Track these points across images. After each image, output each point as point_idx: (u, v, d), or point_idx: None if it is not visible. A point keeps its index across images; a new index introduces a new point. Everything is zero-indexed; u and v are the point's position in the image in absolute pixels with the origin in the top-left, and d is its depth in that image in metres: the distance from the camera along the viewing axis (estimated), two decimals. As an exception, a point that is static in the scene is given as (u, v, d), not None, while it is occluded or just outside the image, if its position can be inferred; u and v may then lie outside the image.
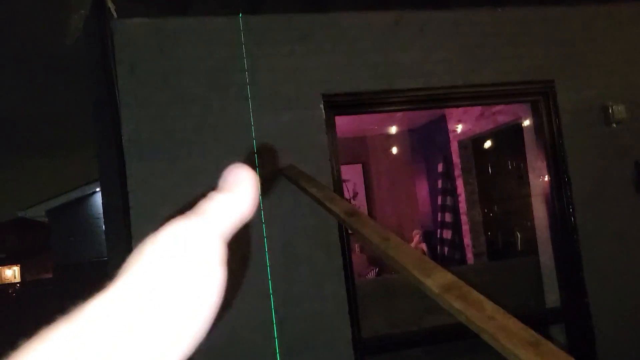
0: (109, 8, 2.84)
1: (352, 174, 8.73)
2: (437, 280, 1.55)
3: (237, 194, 0.36)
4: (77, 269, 9.56)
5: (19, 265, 19.67)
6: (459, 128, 7.04)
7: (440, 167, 7.68)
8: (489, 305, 1.37)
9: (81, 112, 3.77)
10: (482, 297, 1.42)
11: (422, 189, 8.72)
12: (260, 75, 3.22)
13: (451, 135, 7.30)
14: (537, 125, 3.75)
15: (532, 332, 1.25)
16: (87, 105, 3.74)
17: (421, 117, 7.84)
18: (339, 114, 3.43)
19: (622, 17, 3.84)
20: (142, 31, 3.06)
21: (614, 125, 3.66)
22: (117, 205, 3.15)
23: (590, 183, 3.63)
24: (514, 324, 1.28)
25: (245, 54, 3.21)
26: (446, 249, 7.54)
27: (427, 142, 8.38)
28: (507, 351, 1.19)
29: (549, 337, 3.82)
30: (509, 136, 5.94)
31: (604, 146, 3.68)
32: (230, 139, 3.14)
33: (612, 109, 3.64)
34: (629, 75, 3.78)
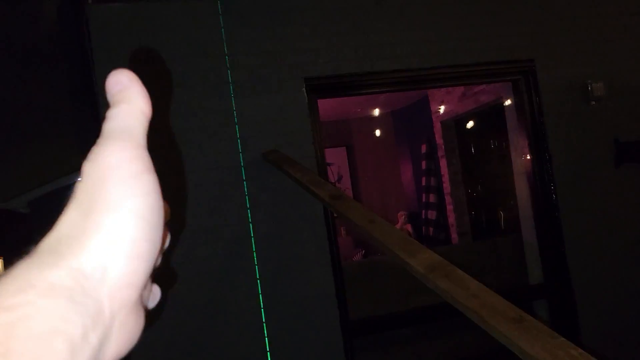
0: (83, -7, 2.77)
1: (336, 157, 8.74)
2: (422, 260, 1.56)
3: (132, 98, 0.35)
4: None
5: (1, 258, 19.46)
6: (442, 109, 7.06)
7: (423, 148, 7.72)
8: (473, 284, 1.39)
9: (60, 100, 3.71)
10: (466, 276, 1.44)
11: (407, 171, 8.76)
12: (240, 60, 3.19)
13: (434, 116, 7.33)
14: (518, 104, 3.78)
15: (516, 308, 1.27)
16: (66, 93, 3.68)
17: (404, 98, 7.84)
18: (321, 97, 3.42)
19: (601, -6, 3.86)
20: (119, 16, 3.00)
21: (593, 103, 3.70)
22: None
23: (570, 160, 3.68)
24: (498, 301, 1.30)
25: (225, 38, 3.17)
26: (431, 229, 7.61)
27: (411, 124, 8.41)
28: (491, 328, 1.21)
29: (532, 313, 3.89)
30: (491, 116, 5.99)
31: (584, 123, 3.72)
32: (212, 125, 3.11)
33: (591, 86, 3.67)
34: (607, 54, 3.81)
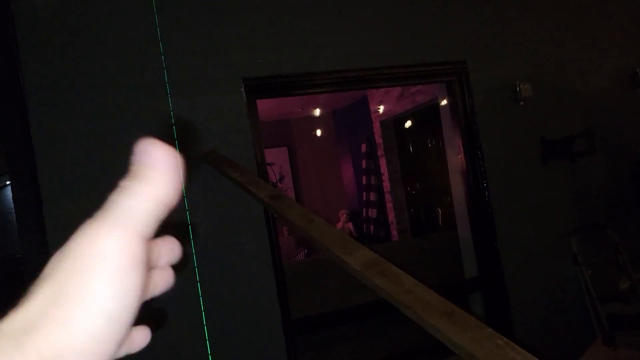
0: (7, -13, 2.64)
1: (278, 157, 8.73)
2: (358, 258, 1.59)
3: (156, 180, 0.31)
4: (-12, 268, 8.97)
5: None
6: (381, 108, 7.19)
7: (363, 148, 7.84)
8: (408, 280, 1.43)
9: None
10: (401, 272, 1.48)
11: (347, 170, 8.87)
12: (177, 59, 3.13)
13: (373, 116, 7.46)
14: (452, 105, 3.91)
15: (447, 302, 1.31)
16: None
17: (344, 98, 7.93)
18: (260, 98, 3.41)
19: (529, -1, 4.06)
20: (48, 12, 2.87)
21: (522, 103, 3.88)
22: (28, 199, 2.98)
23: (501, 158, 3.84)
24: (431, 296, 1.34)
25: (160, 37, 3.10)
26: (372, 227, 7.74)
27: (351, 123, 8.52)
28: (424, 321, 1.25)
29: (468, 305, 4.04)
30: (428, 115, 6.16)
31: (513, 123, 3.90)
32: (148, 125, 3.03)
33: (519, 87, 3.85)
34: (534, 56, 4.01)
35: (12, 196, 3.55)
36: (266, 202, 2.22)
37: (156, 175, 0.32)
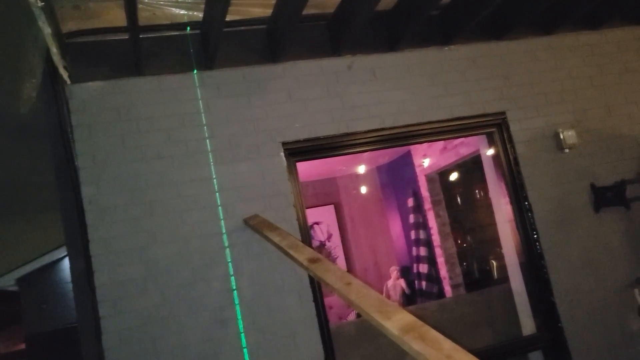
0: (62, 75, 2.86)
1: (325, 216, 8.76)
2: (396, 322, 1.56)
3: None
4: (50, 338, 9.23)
5: (-8, 335, 18.87)
6: (425, 162, 7.17)
7: (410, 202, 7.76)
8: (447, 344, 1.39)
9: (44, 177, 3.75)
10: (440, 336, 1.44)
11: (396, 225, 8.77)
12: (218, 129, 3.26)
13: (418, 170, 7.43)
14: (494, 156, 3.86)
15: (488, 367, 1.26)
16: (50, 169, 3.72)
17: (388, 154, 7.96)
18: (300, 160, 3.48)
19: (563, 46, 4.04)
20: (97, 94, 3.08)
21: (567, 151, 3.79)
22: (82, 269, 3.09)
23: (550, 207, 3.72)
24: (470, 361, 1.29)
25: (203, 109, 3.26)
26: (424, 283, 7.54)
27: (396, 178, 8.50)
28: (463, 390, 1.20)
29: (528, 365, 3.82)
30: (473, 167, 6.09)
31: (560, 171, 3.80)
32: (192, 194, 3.14)
33: (562, 134, 3.77)
34: (574, 102, 3.94)
35: (70, 267, 3.71)
36: (305, 266, 2.23)
37: None
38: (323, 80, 3.51)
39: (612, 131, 3.99)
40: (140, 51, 3.03)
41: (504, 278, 5.26)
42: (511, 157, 3.75)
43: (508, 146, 3.76)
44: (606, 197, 3.79)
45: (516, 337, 3.94)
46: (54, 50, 2.66)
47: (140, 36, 2.94)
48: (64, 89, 2.99)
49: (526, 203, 3.69)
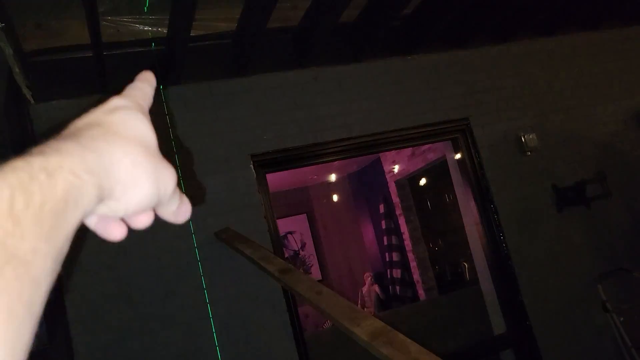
0: (25, 94, 2.84)
1: (298, 225, 8.78)
2: (365, 328, 1.60)
3: (143, 83, 0.48)
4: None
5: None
6: (395, 168, 7.27)
7: (381, 208, 7.86)
8: (414, 347, 1.43)
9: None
10: (407, 340, 1.48)
11: (368, 231, 8.85)
12: (187, 143, 3.27)
13: (388, 176, 7.53)
14: (459, 161, 3.96)
15: (453, 368, 1.31)
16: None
17: (357, 162, 8.04)
18: (270, 172, 3.51)
19: (521, 53, 4.18)
20: (62, 113, 3.06)
21: (529, 153, 3.91)
22: (52, 288, 3.05)
23: (515, 209, 3.83)
24: (436, 363, 1.34)
25: (170, 124, 3.26)
26: (398, 287, 7.63)
27: (367, 185, 8.59)
28: (429, 390, 1.25)
29: (500, 364, 3.91)
30: (441, 172, 6.19)
31: (523, 173, 3.92)
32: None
33: (524, 138, 3.89)
34: (535, 106, 4.08)
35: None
36: (277, 277, 2.26)
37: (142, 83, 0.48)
38: (290, 92, 3.56)
39: (571, 133, 4.13)
40: (104, 68, 3.02)
41: (476, 279, 5.38)
42: (476, 161, 3.86)
43: (472, 151, 3.86)
44: (568, 197, 3.92)
45: (487, 336, 4.04)
46: (16, 70, 2.64)
47: (105, 53, 2.93)
48: (28, 109, 2.96)
49: (492, 205, 3.79)
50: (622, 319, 3.69)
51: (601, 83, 4.36)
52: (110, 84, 3.16)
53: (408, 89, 3.82)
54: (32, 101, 2.93)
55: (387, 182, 7.56)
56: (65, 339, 2.87)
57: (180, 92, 3.33)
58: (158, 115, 3.24)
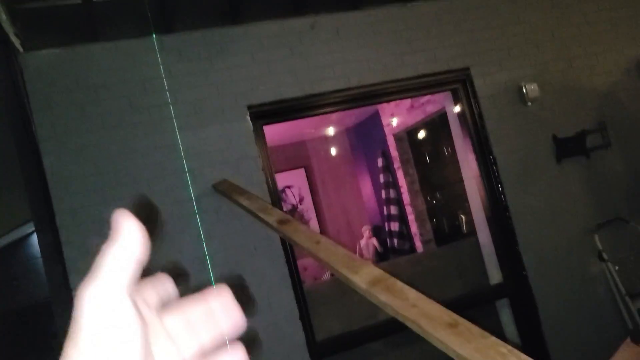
0: (13, 43, 2.75)
1: (296, 179, 8.77)
2: (364, 276, 1.60)
3: (122, 241, 0.35)
4: (22, 314, 9.14)
5: (-37, 317, 18.59)
6: (394, 122, 7.20)
7: (380, 162, 7.82)
8: (412, 294, 1.43)
9: (5, 152, 3.64)
10: (405, 287, 1.48)
11: (366, 185, 8.85)
12: (181, 94, 3.20)
13: (386, 130, 7.46)
14: (459, 112, 3.90)
15: (452, 314, 1.31)
16: (10, 143, 3.61)
17: (356, 114, 7.95)
18: (267, 123, 3.46)
19: (524, 1, 4.05)
20: (52, 62, 2.98)
21: (530, 104, 3.85)
22: (51, 242, 3.06)
23: (514, 160, 3.81)
24: (435, 309, 1.34)
25: (164, 74, 3.18)
26: (395, 240, 7.69)
27: (365, 139, 8.53)
28: (428, 334, 1.25)
29: (496, 313, 3.97)
30: (440, 124, 6.14)
31: (523, 124, 3.87)
32: (158, 161, 3.10)
33: (525, 88, 3.82)
34: (536, 55, 3.99)
35: (38, 241, 3.65)
36: (275, 227, 2.24)
37: (119, 233, 0.35)
38: (286, 41, 3.46)
39: (572, 83, 4.06)
40: (95, 16, 2.93)
41: (473, 232, 5.42)
42: (476, 112, 3.80)
43: (472, 101, 3.80)
44: (567, 147, 3.89)
45: (484, 286, 4.09)
46: (3, 17, 2.55)
47: (94, 0, 2.83)
48: (17, 58, 2.88)
49: (491, 157, 3.76)
50: (617, 267, 3.73)
51: (604, 31, 4.26)
52: (101, 32, 3.07)
53: (408, 38, 3.72)
54: (21, 50, 2.85)
55: (386, 136, 7.50)
56: (66, 292, 2.89)
57: (173, 40, 3.24)
58: (151, 65, 3.16)
